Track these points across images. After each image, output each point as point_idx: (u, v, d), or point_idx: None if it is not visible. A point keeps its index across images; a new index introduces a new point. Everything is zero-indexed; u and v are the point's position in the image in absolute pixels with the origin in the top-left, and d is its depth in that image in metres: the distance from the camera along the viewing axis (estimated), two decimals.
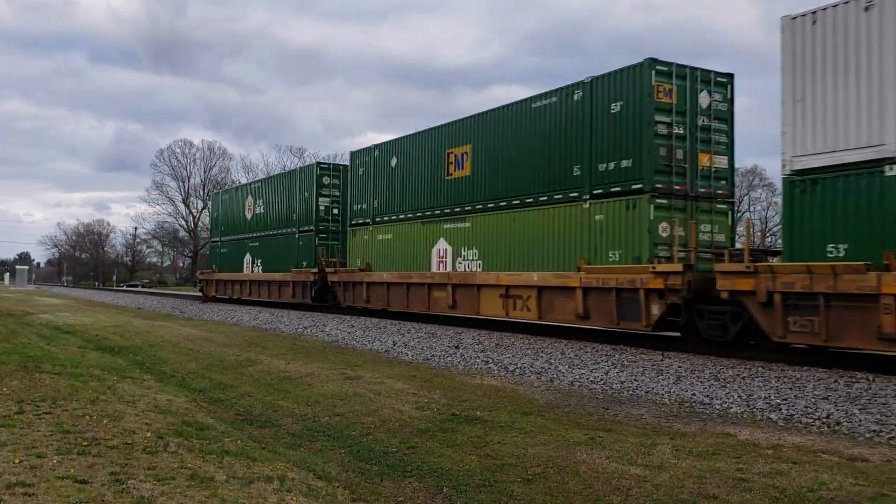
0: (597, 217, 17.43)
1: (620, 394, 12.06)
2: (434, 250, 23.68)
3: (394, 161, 26.16)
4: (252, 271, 37.39)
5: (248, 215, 38.41)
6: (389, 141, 27.17)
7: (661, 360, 14.41)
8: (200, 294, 46.30)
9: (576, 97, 18.28)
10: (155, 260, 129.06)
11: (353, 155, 29.51)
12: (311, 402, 11.78)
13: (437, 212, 23.57)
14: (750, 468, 7.36)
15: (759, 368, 13.01)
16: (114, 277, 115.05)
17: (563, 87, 18.86)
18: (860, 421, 9.43)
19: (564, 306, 18.10)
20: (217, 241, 43.47)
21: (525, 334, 19.66)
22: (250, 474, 6.94)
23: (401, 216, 25.74)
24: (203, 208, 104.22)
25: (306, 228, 32.06)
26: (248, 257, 37.95)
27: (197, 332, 23.47)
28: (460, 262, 22.34)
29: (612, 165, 17.18)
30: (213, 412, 11.30)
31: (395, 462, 8.31)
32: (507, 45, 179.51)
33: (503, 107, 21.13)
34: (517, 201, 20.15)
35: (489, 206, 21.25)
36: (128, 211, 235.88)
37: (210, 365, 16.35)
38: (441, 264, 23.19)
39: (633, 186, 16.62)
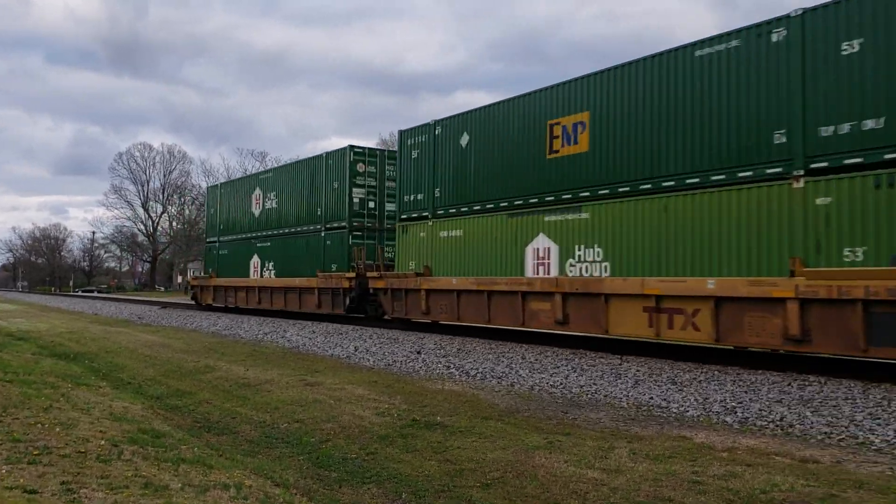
0: (819, 201, 12.81)
1: (580, 398, 12.15)
2: (529, 249, 18.59)
3: (464, 139, 21.02)
4: (261, 276, 32.35)
5: (256, 211, 33.39)
6: (458, 115, 21.61)
7: (620, 365, 14.56)
8: (193, 302, 40.54)
9: (774, 38, 13.64)
10: (113, 265, 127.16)
11: (404, 134, 23.77)
12: (271, 408, 11.69)
13: (534, 200, 18.62)
14: (705, 471, 7.47)
15: (716, 372, 13.21)
16: (70, 283, 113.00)
17: (748, 27, 14.17)
18: (812, 423, 9.63)
19: (764, 325, 13.34)
20: (214, 242, 37.49)
21: (487, 339, 19.71)
22: (206, 482, 6.86)
23: (475, 207, 20.57)
24: (162, 212, 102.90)
25: (336, 225, 27.35)
26: (255, 260, 33.09)
27: (155, 339, 23.14)
28: (573, 265, 17.35)
29: (846, 128, 12.60)
30: (170, 419, 11.15)
31: (355, 468, 8.28)
32: (471, 52, 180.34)
33: (641, 59, 16.22)
34: (670, 182, 15.30)
35: (621, 189, 16.33)
36: (86, 215, 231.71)
37: (168, 371, 16.13)
38: (541, 267, 18.24)
39: (888, 156, 12.07)
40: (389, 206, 26.71)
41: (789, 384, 11.78)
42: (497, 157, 19.90)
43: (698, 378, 12.76)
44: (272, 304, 30.99)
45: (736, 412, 10.43)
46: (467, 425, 9.91)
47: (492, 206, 20.01)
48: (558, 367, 14.68)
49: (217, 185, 39.87)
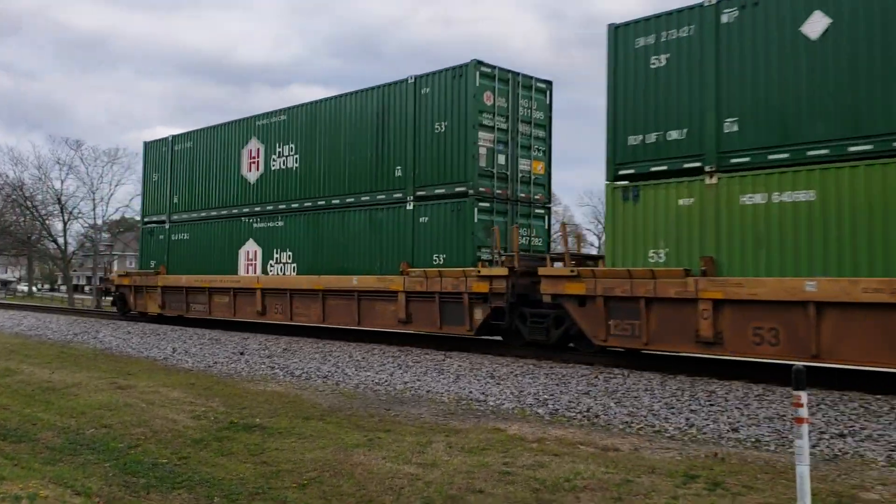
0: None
1: (403, 394, 12.32)
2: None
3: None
4: (264, 272, 21.62)
5: (251, 174, 22.47)
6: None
7: (444, 361, 14.88)
8: (115, 309, 29.51)
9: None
10: None
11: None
12: (76, 413, 10.98)
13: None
14: (515, 461, 7.79)
15: (531, 366, 13.80)
16: None
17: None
18: (615, 413, 10.29)
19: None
20: (160, 224, 26.36)
21: (315, 338, 19.53)
22: None
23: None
24: None
25: (443, 192, 17.23)
26: (249, 248, 22.30)
27: None
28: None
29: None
30: None
31: (165, 474, 7.95)
32: (307, 46, 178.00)
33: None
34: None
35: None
36: None
37: None
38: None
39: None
40: (524, 164, 17.96)
41: (596, 377, 12.52)
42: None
43: (515, 372, 13.28)
44: (291, 316, 20.50)
45: (548, 404, 10.95)
46: (287, 426, 9.78)
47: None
48: (384, 365, 14.79)
49: (165, 140, 26.60)
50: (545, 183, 18.38)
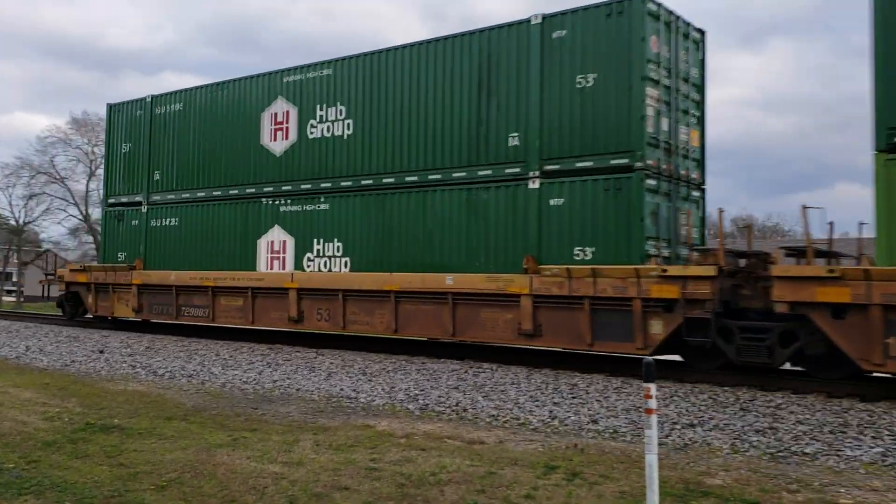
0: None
1: (272, 393, 12.13)
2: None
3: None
4: (300, 267, 17.19)
5: (277, 144, 17.92)
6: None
7: (315, 358, 14.75)
8: (62, 312, 23.42)
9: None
10: None
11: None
12: None
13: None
14: (383, 457, 7.83)
15: (403, 362, 13.89)
16: None
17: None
18: (483, 407, 10.51)
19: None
20: (134, 206, 21.18)
21: (179, 336, 18.90)
22: None
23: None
24: None
25: (600, 164, 13.30)
26: (275, 237, 17.79)
27: None
28: None
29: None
30: None
31: (11, 480, 7.49)
32: (180, 33, 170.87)
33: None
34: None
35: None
36: None
37: None
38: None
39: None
40: (683, 133, 14.35)
41: (466, 371, 12.74)
42: None
43: (387, 368, 13.33)
44: (345, 324, 16.09)
45: (418, 399, 11.06)
46: (148, 427, 9.43)
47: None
48: (253, 363, 14.51)
49: (140, 101, 21.31)
50: (700, 158, 14.89)
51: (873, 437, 8.51)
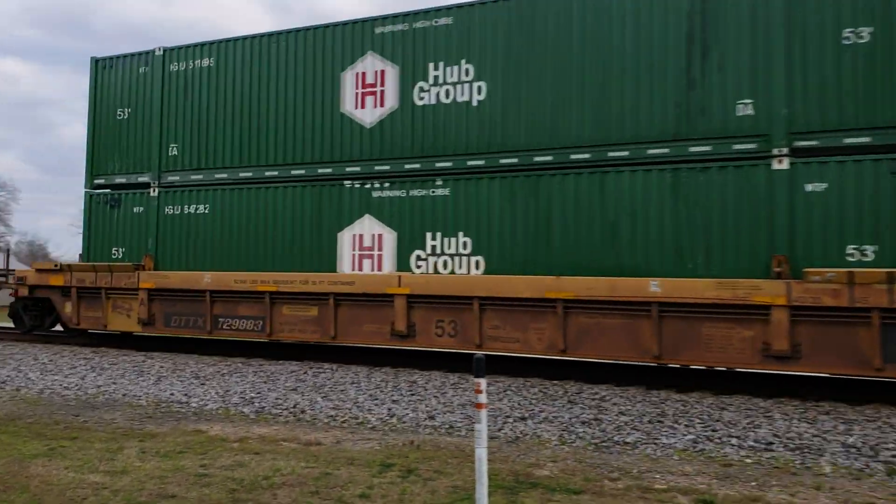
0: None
1: (96, 399, 11.45)
2: None
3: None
4: (403, 267, 13.63)
5: (367, 113, 14.25)
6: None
7: (144, 362, 14.06)
8: (14, 323, 17.98)
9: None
10: None
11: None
12: None
13: None
14: (213, 463, 7.58)
15: (239, 365, 13.52)
16: None
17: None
18: (321, 408, 10.41)
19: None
20: (137, 188, 16.59)
21: None
22: None
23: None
24: None
25: (886, 141, 10.66)
26: (365, 230, 14.06)
27: None
28: None
29: None
30: None
31: None
32: (2, 13, 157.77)
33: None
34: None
35: None
36: None
37: None
38: None
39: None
40: None
41: (305, 372, 12.58)
42: None
43: (222, 371, 12.92)
44: (482, 341, 12.63)
45: (254, 402, 10.79)
46: None
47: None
48: (75, 368, 13.64)
49: (143, 55, 16.82)
50: None
51: (686, 426, 9.16)
